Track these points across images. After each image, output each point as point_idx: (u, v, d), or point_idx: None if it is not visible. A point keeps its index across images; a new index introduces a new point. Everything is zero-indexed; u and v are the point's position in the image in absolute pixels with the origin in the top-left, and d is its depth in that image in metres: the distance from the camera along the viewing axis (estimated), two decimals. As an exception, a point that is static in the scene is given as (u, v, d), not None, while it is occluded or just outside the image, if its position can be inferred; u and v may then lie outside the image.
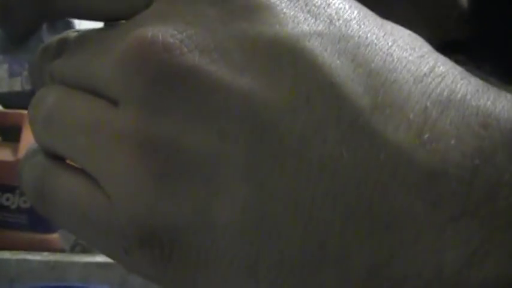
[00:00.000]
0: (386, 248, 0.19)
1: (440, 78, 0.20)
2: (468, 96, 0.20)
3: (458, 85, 0.20)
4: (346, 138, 0.19)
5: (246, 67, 0.20)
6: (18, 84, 1.67)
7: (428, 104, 0.19)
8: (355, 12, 0.21)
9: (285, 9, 0.21)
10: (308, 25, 0.20)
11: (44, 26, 1.68)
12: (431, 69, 0.20)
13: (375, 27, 0.21)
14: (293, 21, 0.20)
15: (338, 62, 0.20)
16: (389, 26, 0.22)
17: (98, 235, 0.22)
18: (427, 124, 0.19)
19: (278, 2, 0.21)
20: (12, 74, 1.67)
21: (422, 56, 0.21)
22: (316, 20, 0.21)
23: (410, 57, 0.20)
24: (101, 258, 1.03)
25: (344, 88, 0.20)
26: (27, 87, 1.67)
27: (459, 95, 0.20)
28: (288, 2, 0.21)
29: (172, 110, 0.20)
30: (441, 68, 0.20)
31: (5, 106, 1.48)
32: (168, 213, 0.20)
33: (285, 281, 0.20)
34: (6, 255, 1.04)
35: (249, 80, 0.20)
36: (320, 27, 0.20)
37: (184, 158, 0.20)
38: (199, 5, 0.21)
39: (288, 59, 0.20)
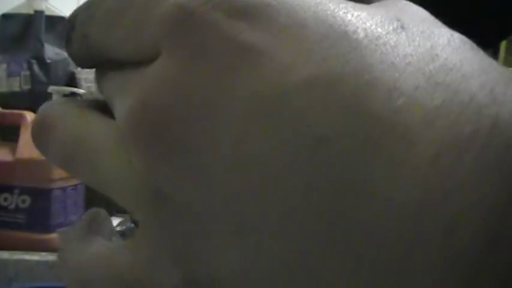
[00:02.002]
0: None
1: (459, 112, 0.17)
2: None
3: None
4: (340, 197, 0.18)
5: (231, 128, 0.19)
6: (16, 84, 1.67)
7: (440, 150, 0.17)
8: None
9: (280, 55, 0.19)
10: (298, 71, 0.19)
11: (43, 26, 1.68)
12: (452, 98, 0.18)
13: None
14: (280, 69, 0.19)
15: (327, 113, 0.18)
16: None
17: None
18: (439, 179, 0.17)
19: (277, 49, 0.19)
20: (10, 74, 1.67)
21: (443, 80, 0.18)
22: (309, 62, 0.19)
23: (425, 87, 0.18)
24: (99, 258, 1.02)
25: (333, 143, 0.18)
26: (26, 87, 1.67)
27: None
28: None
29: (169, 168, 0.21)
30: (468, 91, 0.18)
31: (3, 106, 1.48)
32: None
33: None
34: (5, 255, 1.04)
35: (235, 141, 0.19)
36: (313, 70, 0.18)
37: (189, 210, 0.21)
38: None
39: (273, 111, 0.19)
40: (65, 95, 1.30)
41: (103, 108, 0.24)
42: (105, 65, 0.23)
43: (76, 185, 1.32)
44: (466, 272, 0.17)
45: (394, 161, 0.17)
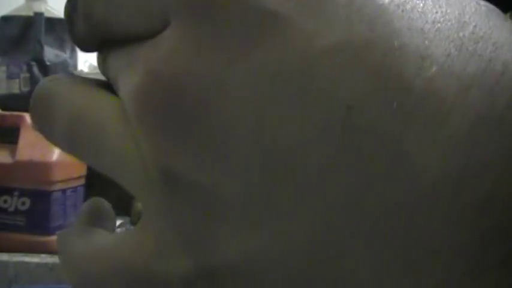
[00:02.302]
0: (425, 283, 0.17)
1: (494, 81, 0.17)
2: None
3: None
4: (370, 169, 0.17)
5: (251, 100, 0.18)
6: (16, 86, 1.67)
7: (473, 118, 0.17)
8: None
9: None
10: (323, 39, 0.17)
11: (43, 28, 1.68)
12: (485, 68, 0.17)
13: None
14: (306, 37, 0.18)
15: (355, 79, 0.17)
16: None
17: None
18: (474, 153, 0.17)
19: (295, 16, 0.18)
20: (10, 76, 1.67)
21: (474, 49, 0.17)
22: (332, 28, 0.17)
23: (456, 54, 0.17)
24: (99, 260, 1.02)
25: (362, 112, 0.17)
26: (25, 89, 1.66)
27: None
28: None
29: (181, 145, 0.19)
30: (501, 59, 0.17)
31: (3, 108, 1.48)
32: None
33: None
34: (5, 257, 1.04)
35: (254, 114, 0.18)
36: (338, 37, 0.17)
37: (203, 193, 0.19)
38: None
39: (296, 84, 0.17)
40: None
41: (106, 89, 0.22)
42: (109, 45, 0.22)
43: (76, 187, 1.32)
44: (501, 248, 0.17)
45: (429, 132, 0.17)
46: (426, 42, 0.17)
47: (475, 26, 0.18)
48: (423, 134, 0.17)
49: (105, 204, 0.26)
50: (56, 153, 1.23)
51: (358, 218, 0.17)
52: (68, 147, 0.23)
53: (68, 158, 1.24)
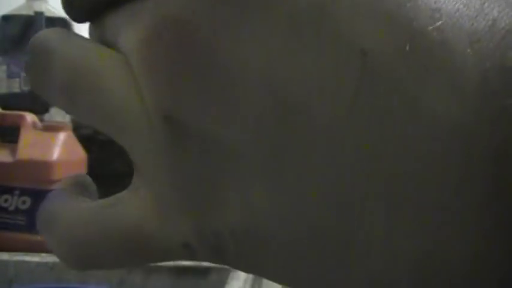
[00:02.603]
0: (442, 241, 0.17)
1: (500, 36, 0.17)
2: None
3: None
4: (383, 119, 0.17)
5: (263, 42, 0.17)
6: (16, 86, 1.67)
7: (488, 67, 0.16)
8: None
9: None
10: None
11: (43, 28, 1.68)
12: (493, 23, 0.17)
13: None
14: None
15: (373, 27, 0.17)
16: None
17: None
18: (488, 96, 0.16)
19: None
20: (10, 75, 1.67)
21: (481, 7, 0.17)
22: None
23: (464, 10, 0.17)
24: (99, 259, 1.02)
25: (378, 59, 0.17)
26: (26, 88, 1.66)
27: None
28: None
29: (189, 91, 0.18)
30: (505, 20, 0.17)
31: (3, 107, 1.48)
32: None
33: (330, 267, 0.18)
34: (5, 256, 1.04)
35: (267, 56, 0.17)
36: None
37: (210, 142, 0.18)
38: None
39: (310, 28, 0.17)
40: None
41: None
42: (105, 8, 0.21)
43: (76, 186, 1.31)
44: None
45: (443, 80, 0.17)
46: None
47: None
48: (437, 82, 0.17)
49: (88, 179, 0.25)
50: (56, 153, 1.23)
51: (373, 170, 0.17)
52: (65, 101, 0.22)
53: (69, 157, 1.24)
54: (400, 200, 0.17)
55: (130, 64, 0.20)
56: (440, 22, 0.17)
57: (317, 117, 0.17)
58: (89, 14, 0.22)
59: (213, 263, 0.20)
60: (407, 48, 0.17)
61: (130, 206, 0.20)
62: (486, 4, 0.17)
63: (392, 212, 0.17)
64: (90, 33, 0.23)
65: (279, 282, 0.20)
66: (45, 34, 0.22)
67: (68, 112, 0.22)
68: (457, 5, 0.17)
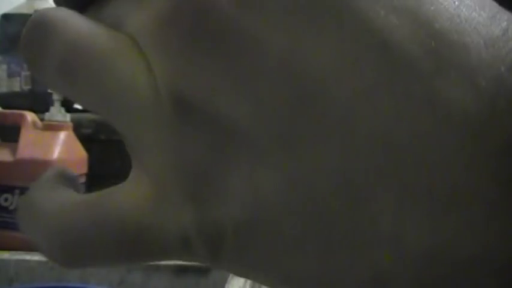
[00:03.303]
0: (449, 230, 0.17)
1: None
2: None
3: None
4: (401, 107, 0.17)
5: (285, 23, 0.18)
6: (16, 85, 1.67)
7: (503, 69, 0.17)
8: None
9: None
10: None
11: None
12: (504, 32, 0.17)
13: None
14: None
15: (394, 20, 0.17)
16: None
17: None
18: (502, 93, 0.17)
19: None
20: (10, 75, 1.67)
21: (493, 17, 0.18)
22: None
23: (479, 18, 0.17)
24: (99, 258, 1.02)
25: (399, 50, 0.17)
26: (26, 87, 1.66)
27: None
28: None
29: (204, 68, 0.18)
30: None
31: (3, 106, 1.48)
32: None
33: (334, 258, 0.18)
34: (5, 255, 1.04)
35: (287, 37, 0.17)
36: None
37: (220, 123, 0.18)
38: None
39: (333, 15, 0.17)
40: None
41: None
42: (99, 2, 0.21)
43: (76, 186, 1.31)
44: None
45: (462, 75, 0.17)
46: (456, 2, 0.18)
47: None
48: (456, 76, 0.17)
49: (72, 173, 0.23)
50: (56, 152, 1.23)
51: (385, 157, 0.17)
52: (64, 80, 0.20)
53: (69, 157, 1.24)
54: (410, 189, 0.17)
55: (137, 44, 0.19)
56: (459, 26, 0.17)
57: (335, 103, 0.17)
58: (81, 4, 0.22)
59: (206, 262, 0.19)
60: (432, 44, 0.17)
61: (128, 195, 0.20)
62: (498, 16, 0.18)
63: (402, 200, 0.17)
64: None
65: (273, 284, 0.19)
66: (45, 10, 0.21)
67: (64, 93, 0.21)
68: (473, 14, 0.18)
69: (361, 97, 0.17)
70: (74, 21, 0.20)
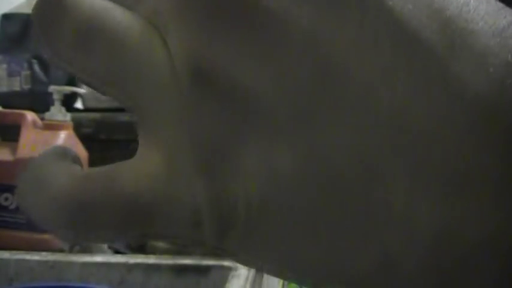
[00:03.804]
0: (459, 212, 0.17)
1: None
2: None
3: None
4: (418, 86, 0.17)
5: (309, 2, 0.18)
6: (17, 84, 1.67)
7: (509, 58, 0.17)
8: None
9: None
10: None
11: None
12: (510, 24, 0.18)
13: None
14: None
15: (410, 6, 0.18)
16: None
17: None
18: (510, 79, 0.17)
19: None
20: (11, 74, 1.67)
21: (500, 9, 0.18)
22: None
23: (488, 9, 0.18)
24: (100, 258, 1.02)
25: (416, 33, 0.18)
26: (26, 86, 1.66)
27: None
28: None
29: (226, 40, 0.18)
30: None
31: (3, 106, 1.48)
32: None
33: (345, 241, 0.18)
34: (5, 255, 1.04)
35: (311, 14, 0.18)
36: None
37: (239, 96, 0.18)
38: None
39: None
40: (66, 95, 1.30)
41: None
42: None
43: (77, 185, 1.31)
44: None
45: (473, 58, 0.17)
46: None
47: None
48: (469, 58, 0.17)
49: (73, 151, 0.23)
50: (56, 151, 1.23)
51: (401, 133, 0.17)
52: (78, 52, 0.20)
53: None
54: (424, 168, 0.17)
55: (152, 23, 0.19)
56: (468, 14, 0.18)
57: (354, 81, 0.18)
58: None
59: (213, 244, 0.19)
60: (445, 29, 0.18)
61: (140, 168, 0.19)
62: (502, 11, 0.18)
63: (415, 179, 0.17)
64: None
65: (280, 270, 0.19)
66: None
67: (76, 67, 0.20)
68: (481, 6, 0.18)
69: (380, 76, 0.17)
70: None
